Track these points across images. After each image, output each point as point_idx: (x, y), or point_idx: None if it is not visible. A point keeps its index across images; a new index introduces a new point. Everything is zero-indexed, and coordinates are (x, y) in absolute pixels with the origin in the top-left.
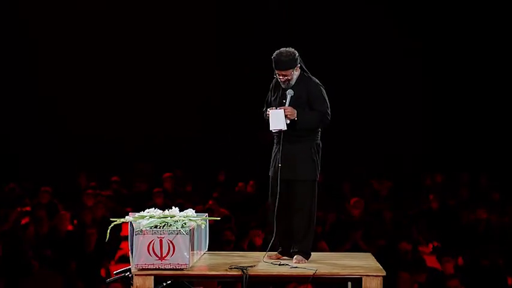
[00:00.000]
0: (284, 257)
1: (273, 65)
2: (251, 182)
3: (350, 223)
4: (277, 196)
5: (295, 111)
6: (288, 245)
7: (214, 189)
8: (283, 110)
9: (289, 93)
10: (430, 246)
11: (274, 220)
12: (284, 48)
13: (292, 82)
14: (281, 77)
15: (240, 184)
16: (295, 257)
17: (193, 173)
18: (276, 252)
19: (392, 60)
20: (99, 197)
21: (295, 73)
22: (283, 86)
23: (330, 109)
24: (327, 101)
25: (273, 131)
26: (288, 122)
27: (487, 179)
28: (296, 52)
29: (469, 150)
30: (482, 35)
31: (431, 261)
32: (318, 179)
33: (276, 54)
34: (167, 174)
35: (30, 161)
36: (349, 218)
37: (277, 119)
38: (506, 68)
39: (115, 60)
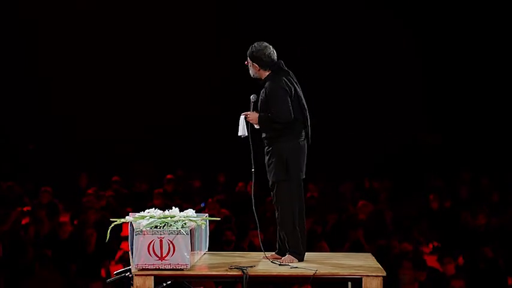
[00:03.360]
0: (281, 257)
1: None
2: (251, 183)
3: (351, 223)
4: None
5: (256, 115)
6: (283, 245)
7: (215, 189)
8: (244, 116)
9: (252, 98)
10: (431, 246)
11: (257, 220)
12: (262, 42)
13: (252, 74)
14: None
15: (240, 184)
16: (285, 257)
17: (193, 174)
18: (273, 253)
19: (392, 60)
20: (100, 197)
21: (252, 68)
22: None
23: (287, 110)
24: (282, 102)
25: (241, 136)
26: (257, 126)
27: (488, 180)
28: (264, 50)
29: (470, 151)
30: (482, 34)
31: (432, 262)
32: (290, 180)
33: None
34: (168, 176)
35: (30, 161)
36: (351, 219)
37: (241, 125)
38: (507, 69)
39: (115, 61)
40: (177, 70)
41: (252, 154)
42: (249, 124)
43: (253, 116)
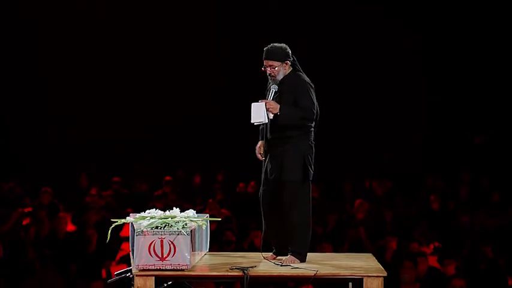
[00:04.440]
0: (279, 257)
1: (263, 56)
2: (252, 183)
3: (350, 223)
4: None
5: (278, 106)
6: (281, 246)
7: (215, 189)
8: (264, 102)
9: (274, 88)
10: (431, 246)
11: (263, 219)
12: (278, 43)
13: (279, 77)
14: (268, 68)
15: (241, 185)
16: (286, 257)
17: (193, 174)
18: (271, 253)
19: (392, 60)
20: (102, 197)
21: (282, 68)
22: (270, 80)
23: (316, 109)
24: (313, 99)
25: (255, 123)
26: (271, 116)
27: (488, 180)
28: (288, 48)
29: (470, 151)
30: (483, 32)
31: (432, 262)
32: (308, 180)
33: (268, 45)
34: (168, 178)
35: (30, 161)
36: (351, 219)
37: (259, 112)
38: (507, 68)
39: (115, 61)
40: (177, 70)
41: (266, 142)
42: (267, 112)
43: (275, 105)
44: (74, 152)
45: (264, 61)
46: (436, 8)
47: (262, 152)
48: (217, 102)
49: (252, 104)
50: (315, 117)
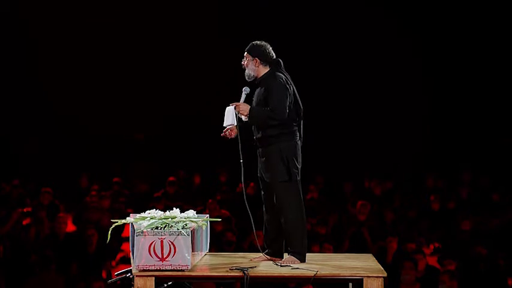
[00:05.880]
0: (272, 258)
1: None
2: (251, 184)
3: (351, 223)
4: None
5: (248, 107)
6: (276, 246)
7: (215, 190)
8: (234, 105)
9: (245, 90)
10: (431, 246)
11: (252, 221)
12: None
13: (248, 72)
14: (243, 59)
15: (241, 185)
16: (285, 258)
17: (193, 174)
18: (263, 254)
19: (392, 60)
20: (102, 197)
21: (252, 64)
22: (245, 77)
23: (285, 108)
24: (284, 99)
25: (226, 127)
26: (244, 118)
27: (489, 180)
28: (266, 47)
29: (471, 151)
30: (483, 33)
31: (432, 262)
32: (293, 180)
33: None
34: (171, 179)
35: (30, 161)
36: (351, 219)
37: (228, 115)
38: (507, 68)
39: (116, 60)
40: (177, 70)
41: (239, 145)
42: (237, 115)
43: (245, 107)
44: (74, 152)
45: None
46: (436, 8)
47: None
48: (218, 103)
49: (227, 107)
50: (284, 117)
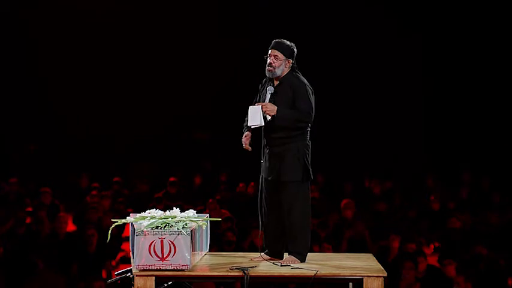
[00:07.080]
0: (272, 259)
1: (270, 45)
2: (252, 183)
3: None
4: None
5: (275, 108)
6: (276, 246)
7: (216, 190)
8: (260, 105)
9: (269, 90)
10: (431, 246)
11: (260, 220)
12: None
13: (277, 72)
14: (271, 58)
15: (241, 185)
16: (285, 258)
17: (193, 174)
18: (262, 254)
19: (392, 60)
20: (102, 197)
21: (283, 65)
22: (267, 74)
23: (313, 111)
24: (311, 101)
25: (252, 127)
26: (269, 118)
27: (489, 180)
28: (295, 49)
29: (471, 151)
30: (483, 33)
31: (432, 262)
32: (307, 180)
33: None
34: (172, 179)
35: (30, 161)
36: (342, 220)
37: (255, 115)
38: (508, 68)
39: (116, 61)
40: (178, 70)
41: (263, 145)
42: (263, 114)
43: (272, 107)
44: (74, 152)
45: (270, 50)
46: (436, 8)
47: (248, 143)
48: (218, 103)
49: (249, 107)
50: (311, 119)
